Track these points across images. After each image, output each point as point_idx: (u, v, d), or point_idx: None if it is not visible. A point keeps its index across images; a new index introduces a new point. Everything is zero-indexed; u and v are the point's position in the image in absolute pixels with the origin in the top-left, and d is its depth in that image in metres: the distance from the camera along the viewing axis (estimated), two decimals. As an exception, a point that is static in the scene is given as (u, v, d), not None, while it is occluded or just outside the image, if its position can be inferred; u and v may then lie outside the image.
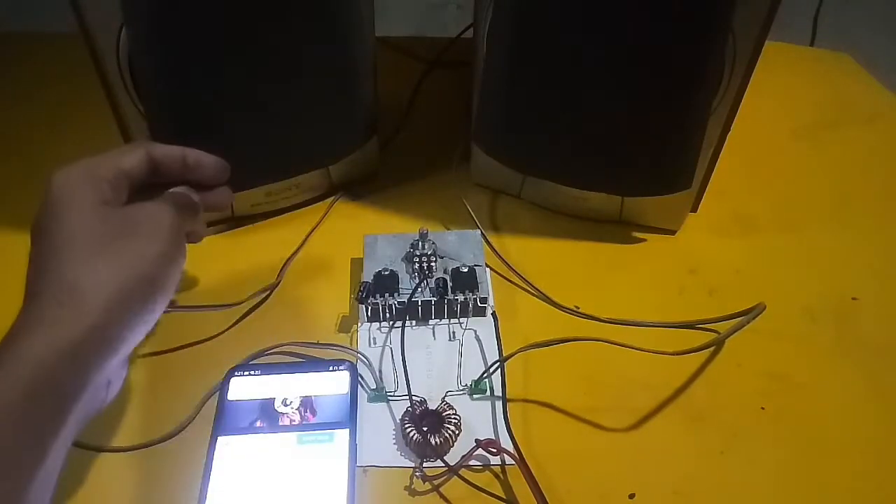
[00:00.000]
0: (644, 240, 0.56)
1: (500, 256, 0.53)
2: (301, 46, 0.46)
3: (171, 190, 0.40)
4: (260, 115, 0.48)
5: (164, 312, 0.46)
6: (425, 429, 0.42)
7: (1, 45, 0.74)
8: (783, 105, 0.70)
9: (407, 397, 0.43)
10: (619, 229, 0.56)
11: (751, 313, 0.45)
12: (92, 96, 0.47)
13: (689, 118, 0.47)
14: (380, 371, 0.46)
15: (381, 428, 0.43)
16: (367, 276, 0.48)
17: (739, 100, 0.48)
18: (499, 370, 0.45)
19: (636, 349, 0.43)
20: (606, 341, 0.44)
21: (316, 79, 0.48)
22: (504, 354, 0.46)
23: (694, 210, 0.56)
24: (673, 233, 0.56)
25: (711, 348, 0.47)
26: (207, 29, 0.42)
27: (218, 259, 0.54)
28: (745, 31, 0.44)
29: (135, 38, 0.42)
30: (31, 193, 0.57)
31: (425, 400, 0.43)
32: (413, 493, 0.40)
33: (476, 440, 0.41)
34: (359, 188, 0.59)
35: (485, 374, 0.45)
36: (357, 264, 0.53)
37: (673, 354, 0.44)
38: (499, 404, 0.44)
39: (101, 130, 0.51)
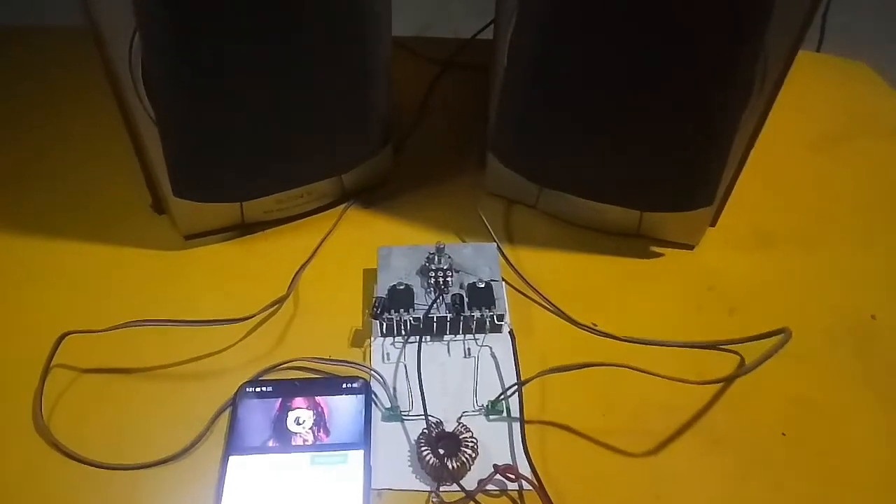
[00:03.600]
0: (662, 254, 0.55)
1: (516, 271, 0.52)
2: (317, 55, 0.44)
3: None
4: (274, 123, 0.46)
5: (174, 326, 0.46)
6: (442, 452, 0.41)
7: (19, 39, 0.72)
8: (799, 115, 0.69)
9: (421, 417, 0.42)
10: (637, 243, 0.55)
11: (779, 343, 0.44)
12: (104, 100, 0.46)
13: (717, 135, 0.45)
14: (394, 389, 0.45)
15: (395, 449, 0.42)
16: (382, 290, 0.47)
17: (766, 115, 0.47)
18: (516, 392, 0.44)
19: (660, 376, 0.42)
20: (628, 367, 0.43)
21: (332, 87, 0.47)
22: (521, 375, 0.45)
23: (712, 224, 0.55)
24: (691, 247, 0.55)
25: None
26: (222, 36, 0.41)
27: (228, 267, 0.52)
28: (777, 45, 0.42)
29: (148, 44, 0.40)
30: (40, 193, 0.56)
31: (441, 422, 0.42)
32: (429, 518, 0.40)
33: (494, 466, 0.40)
34: (371, 195, 0.58)
35: (501, 397, 0.44)
36: (369, 275, 0.52)
37: (698, 384, 0.43)
38: (516, 426, 0.43)
39: (112, 132, 0.50)
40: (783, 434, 0.45)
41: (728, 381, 0.44)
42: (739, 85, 0.43)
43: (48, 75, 0.67)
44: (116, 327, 0.44)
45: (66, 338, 0.44)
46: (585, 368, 0.43)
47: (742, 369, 0.44)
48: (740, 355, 0.48)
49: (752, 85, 0.44)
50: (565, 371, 0.43)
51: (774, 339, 0.46)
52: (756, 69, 0.43)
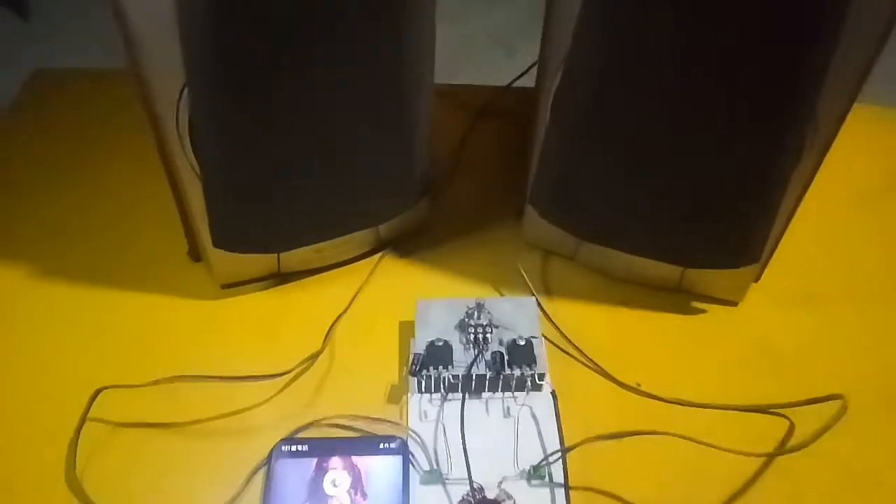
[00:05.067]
0: (704, 311, 0.53)
1: (556, 327, 0.50)
2: (360, 110, 0.44)
3: None
4: (316, 177, 0.46)
5: (209, 381, 0.45)
6: (484, 520, 0.39)
7: (61, 80, 0.73)
8: (841, 167, 0.67)
9: (461, 481, 0.41)
10: (679, 298, 0.54)
11: (836, 415, 0.42)
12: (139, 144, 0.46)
13: (767, 192, 0.44)
14: (434, 450, 0.44)
15: (435, 515, 0.41)
16: (420, 346, 0.46)
17: (816, 170, 0.46)
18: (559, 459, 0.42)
19: (713, 447, 0.41)
20: (679, 436, 0.41)
21: (374, 141, 0.46)
22: (564, 438, 0.43)
23: (756, 280, 0.54)
24: (735, 304, 0.54)
25: (787, 440, 0.44)
26: (271, 97, 0.41)
27: (264, 318, 0.52)
28: (831, 102, 0.41)
29: (197, 99, 0.40)
30: (76, 240, 0.56)
31: (482, 487, 0.41)
32: (470, 591, 0.38)
33: (539, 537, 0.38)
34: (406, 244, 0.57)
35: (543, 462, 0.42)
36: (405, 327, 0.51)
37: (754, 456, 0.41)
38: (559, 492, 0.42)
39: (148, 178, 0.50)
40: (838, 506, 0.43)
41: (783, 453, 0.42)
42: (792, 142, 0.42)
43: (88, 117, 0.68)
44: (152, 383, 0.43)
45: (102, 392, 0.44)
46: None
47: (801, 443, 0.42)
48: (790, 420, 0.46)
49: (805, 141, 0.43)
50: (613, 439, 0.41)
51: (827, 406, 0.44)
52: (809, 126, 0.42)
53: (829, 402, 0.44)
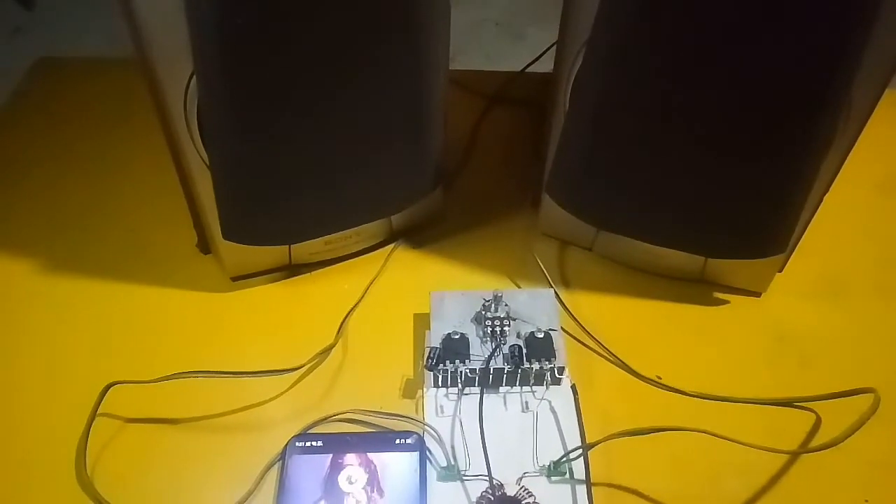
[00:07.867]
0: (727, 302, 0.52)
1: (574, 319, 0.49)
2: (373, 101, 0.43)
3: None
4: (328, 168, 0.45)
5: (220, 377, 0.44)
6: (504, 518, 0.38)
7: (65, 69, 0.72)
8: (867, 156, 0.65)
9: (479, 477, 0.40)
10: (700, 289, 0.53)
11: (869, 410, 0.41)
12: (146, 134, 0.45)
13: (796, 179, 0.43)
14: (452, 447, 0.43)
15: (453, 512, 0.40)
16: (436, 339, 0.45)
17: (846, 156, 0.44)
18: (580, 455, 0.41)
19: (740, 443, 0.39)
20: (705, 432, 0.40)
21: (387, 131, 0.45)
22: (584, 431, 0.42)
23: (779, 270, 0.52)
24: (758, 294, 0.52)
25: (814, 435, 0.43)
26: (280, 81, 0.39)
27: (275, 311, 0.51)
28: (863, 90, 0.40)
29: (205, 88, 0.39)
30: (85, 234, 0.55)
31: (502, 484, 0.40)
32: (491, 591, 0.37)
33: (561, 536, 0.37)
34: (419, 235, 0.56)
35: (564, 459, 0.41)
36: (420, 320, 0.50)
37: (785, 453, 0.40)
38: (580, 489, 0.41)
39: (156, 170, 0.49)
40: (866, 501, 0.42)
41: (813, 450, 0.41)
42: (824, 130, 0.40)
43: (93, 107, 0.66)
44: (163, 379, 0.43)
45: (112, 387, 0.43)
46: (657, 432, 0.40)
47: (833, 440, 0.40)
48: (816, 413, 0.45)
49: (838, 126, 0.41)
50: (634, 435, 0.40)
51: (855, 400, 0.43)
52: (842, 114, 0.40)
53: (859, 396, 0.43)
